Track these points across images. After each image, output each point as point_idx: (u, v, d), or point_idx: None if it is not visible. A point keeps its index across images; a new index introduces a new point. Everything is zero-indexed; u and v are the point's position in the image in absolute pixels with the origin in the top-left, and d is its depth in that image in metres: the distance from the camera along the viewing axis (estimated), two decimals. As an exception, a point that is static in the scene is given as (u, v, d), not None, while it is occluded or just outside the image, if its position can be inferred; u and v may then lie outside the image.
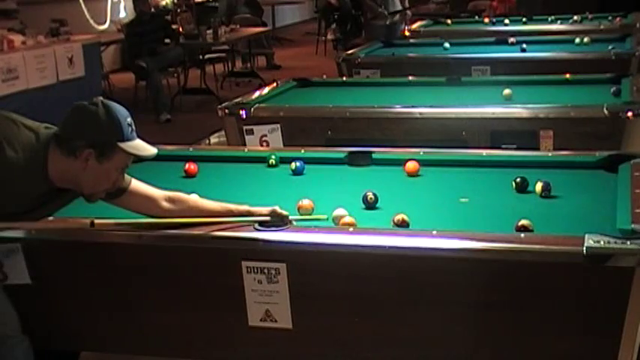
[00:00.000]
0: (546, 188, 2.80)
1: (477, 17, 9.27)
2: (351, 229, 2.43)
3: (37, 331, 2.58)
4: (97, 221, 2.42)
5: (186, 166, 3.29)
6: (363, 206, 2.75)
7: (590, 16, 8.75)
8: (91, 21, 9.34)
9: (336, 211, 2.59)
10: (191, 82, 9.76)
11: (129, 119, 2.35)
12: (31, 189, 2.33)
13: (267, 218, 2.47)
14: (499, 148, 3.64)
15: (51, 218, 2.50)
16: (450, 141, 3.80)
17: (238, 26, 10.70)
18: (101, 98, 2.37)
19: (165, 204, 2.50)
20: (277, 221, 2.46)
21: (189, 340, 2.58)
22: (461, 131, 3.98)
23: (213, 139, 7.09)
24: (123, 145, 2.31)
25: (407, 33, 8.23)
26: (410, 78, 5.17)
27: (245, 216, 2.48)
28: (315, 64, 11.62)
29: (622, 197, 2.58)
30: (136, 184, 2.51)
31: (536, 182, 2.84)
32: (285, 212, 2.49)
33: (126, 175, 2.48)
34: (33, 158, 2.31)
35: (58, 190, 2.40)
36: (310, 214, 2.65)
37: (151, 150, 2.39)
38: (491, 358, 2.34)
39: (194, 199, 2.58)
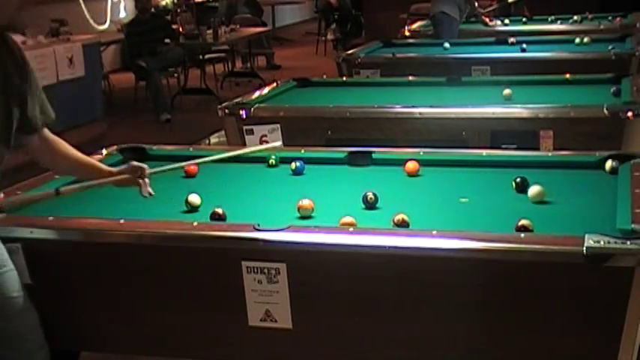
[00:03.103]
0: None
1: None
2: (351, 229, 2.43)
3: (37, 331, 2.58)
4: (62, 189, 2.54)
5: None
6: (363, 206, 2.74)
7: (590, 16, 8.75)
8: (91, 21, 9.34)
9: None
10: (191, 82, 9.77)
11: None
12: None
13: (127, 176, 2.58)
14: (499, 148, 3.63)
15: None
16: (450, 141, 3.80)
17: (238, 26, 10.71)
18: None
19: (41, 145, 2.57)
20: (136, 174, 2.58)
21: (189, 340, 2.58)
22: (461, 131, 3.98)
23: (213, 139, 7.09)
24: None
25: (407, 33, 8.22)
26: (410, 78, 5.17)
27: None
28: (315, 64, 11.62)
29: (622, 197, 2.58)
30: (47, 132, 2.57)
31: (606, 160, 2.98)
32: (140, 164, 2.61)
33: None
34: None
35: None
36: (310, 215, 2.65)
37: None
38: (491, 358, 2.34)
39: (64, 146, 2.62)
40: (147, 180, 2.61)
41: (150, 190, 2.59)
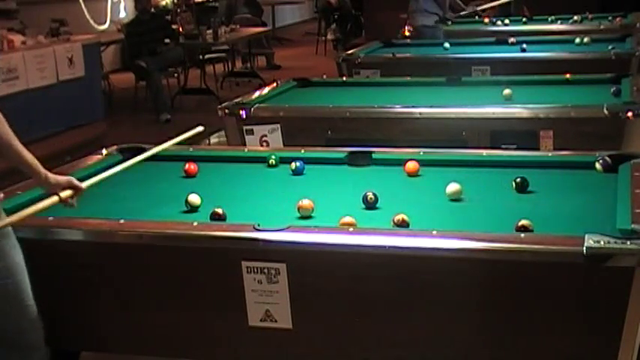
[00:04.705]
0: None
1: (476, 17, 9.27)
2: (351, 229, 2.43)
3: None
4: None
5: (186, 166, 3.29)
6: (363, 206, 2.74)
7: (590, 16, 8.74)
8: (91, 21, 9.34)
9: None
10: (191, 82, 9.77)
11: None
12: None
13: (70, 192, 2.43)
14: (499, 148, 3.63)
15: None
16: (450, 141, 3.80)
17: (238, 26, 10.71)
18: None
19: None
20: (70, 192, 2.43)
21: (189, 340, 2.58)
22: (461, 131, 3.98)
23: (213, 139, 7.08)
24: None
25: (407, 33, 8.22)
26: (410, 78, 5.17)
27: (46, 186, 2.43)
28: (315, 64, 11.62)
29: (622, 197, 2.58)
30: None
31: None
32: (79, 185, 2.46)
33: None
34: None
35: None
36: (310, 215, 2.65)
37: None
38: (491, 358, 2.34)
39: (7, 136, 2.37)
40: (74, 201, 2.47)
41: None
